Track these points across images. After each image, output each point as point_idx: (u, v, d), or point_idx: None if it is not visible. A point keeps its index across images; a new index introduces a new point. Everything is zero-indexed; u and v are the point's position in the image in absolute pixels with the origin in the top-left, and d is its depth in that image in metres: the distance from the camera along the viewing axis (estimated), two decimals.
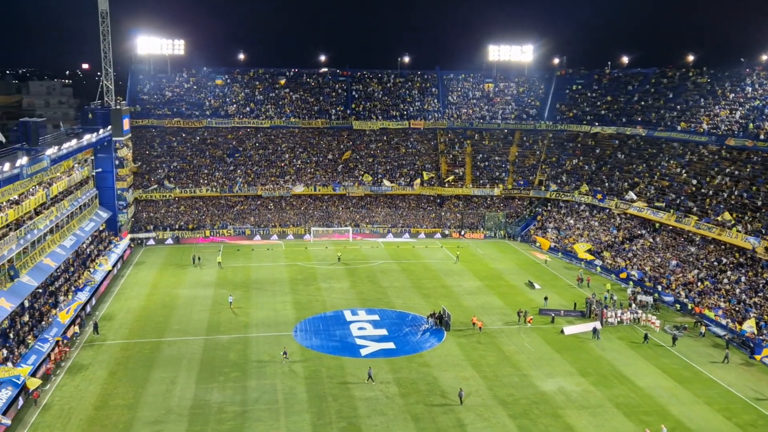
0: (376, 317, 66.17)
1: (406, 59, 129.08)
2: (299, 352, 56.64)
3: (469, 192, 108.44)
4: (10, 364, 47.48)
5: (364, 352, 57.14)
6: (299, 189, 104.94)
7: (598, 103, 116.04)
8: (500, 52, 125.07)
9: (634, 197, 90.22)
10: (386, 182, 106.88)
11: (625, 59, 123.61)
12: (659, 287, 73.82)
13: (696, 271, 74.91)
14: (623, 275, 78.87)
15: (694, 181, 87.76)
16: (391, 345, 58.75)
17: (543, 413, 46.38)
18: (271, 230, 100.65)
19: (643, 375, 53.28)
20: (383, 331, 62.11)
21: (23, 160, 59.89)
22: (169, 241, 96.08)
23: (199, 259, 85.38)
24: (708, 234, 77.44)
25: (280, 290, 74.58)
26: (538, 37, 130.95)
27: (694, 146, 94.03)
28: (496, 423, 45.02)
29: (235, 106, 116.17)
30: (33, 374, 48.62)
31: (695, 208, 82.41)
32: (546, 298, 70.54)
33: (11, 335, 52.42)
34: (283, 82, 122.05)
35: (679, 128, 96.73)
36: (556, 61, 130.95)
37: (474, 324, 63.40)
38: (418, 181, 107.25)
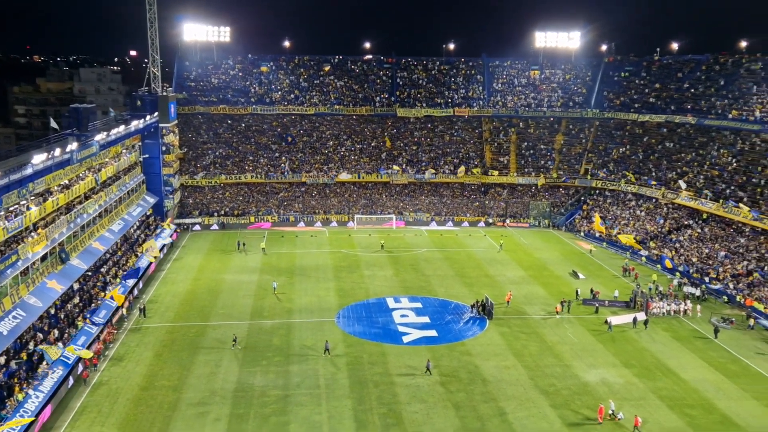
0: (418, 305, 66.21)
1: (452, 46, 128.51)
2: (342, 339, 57.04)
3: (513, 181, 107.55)
4: (61, 344, 48.81)
5: (406, 339, 57.26)
6: (345, 176, 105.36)
7: (647, 90, 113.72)
8: (547, 38, 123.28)
9: (683, 186, 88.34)
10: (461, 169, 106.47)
11: (675, 46, 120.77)
12: (706, 278, 72.32)
13: (745, 262, 73.19)
14: (668, 264, 77.47)
15: (745, 171, 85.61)
16: (433, 333, 58.77)
17: (584, 404, 45.96)
18: (315, 217, 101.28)
19: (689, 368, 52.34)
20: (426, 319, 62.15)
21: (73, 146, 61.23)
22: (215, 226, 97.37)
23: (243, 244, 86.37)
24: (759, 225, 75.56)
25: (324, 277, 75.09)
26: (585, 23, 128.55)
27: (746, 135, 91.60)
28: (537, 413, 44.77)
29: (280, 93, 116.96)
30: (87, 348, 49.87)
31: (746, 198, 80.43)
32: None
33: (62, 316, 53.88)
34: (327, 69, 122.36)
35: (730, 116, 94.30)
36: (604, 47, 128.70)
37: (508, 302, 65.73)
38: (462, 169, 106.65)
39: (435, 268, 78.93)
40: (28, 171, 52.18)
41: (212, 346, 55.12)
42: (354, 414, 44.23)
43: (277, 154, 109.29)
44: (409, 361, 52.47)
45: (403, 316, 62.97)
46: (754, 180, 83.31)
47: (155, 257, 75.32)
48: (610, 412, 43.87)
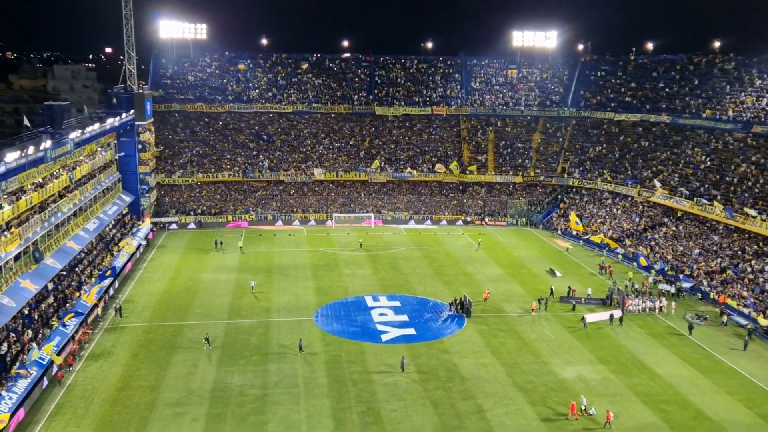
0: (397, 303, 66.24)
1: (430, 45, 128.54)
2: (320, 337, 56.93)
3: (491, 179, 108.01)
4: (35, 344, 48.22)
5: (384, 337, 57.27)
6: (320, 174, 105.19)
7: (623, 89, 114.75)
8: (524, 37, 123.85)
9: (658, 185, 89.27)
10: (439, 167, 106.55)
11: (651, 46, 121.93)
12: (681, 276, 73.08)
13: (719, 260, 74.09)
14: (643, 262, 78.18)
15: (719, 169, 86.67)
16: (411, 331, 58.82)
17: (561, 401, 46.25)
18: (293, 216, 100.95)
19: (664, 364, 52.91)
20: (404, 317, 62.19)
21: (47, 144, 60.52)
22: (192, 225, 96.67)
23: (221, 243, 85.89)
24: (732, 222, 76.53)
25: (302, 275, 74.87)
26: (562, 22, 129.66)
27: (720, 134, 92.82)
28: (515, 410, 45.00)
29: (257, 91, 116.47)
30: (57, 354, 49.31)
31: (719, 197, 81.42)
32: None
33: (36, 316, 53.22)
34: (305, 67, 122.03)
35: (704, 115, 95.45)
36: (581, 47, 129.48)
37: (486, 300, 65.82)
38: (441, 167, 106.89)
39: (413, 267, 79.01)
40: (1, 169, 51.58)
41: (189, 345, 54.71)
42: (332, 413, 44.16)
43: (254, 153, 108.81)
44: (388, 359, 52.47)
45: (381, 314, 62.97)
46: (727, 178, 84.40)
47: (131, 254, 74.81)
48: (582, 407, 44.29)
